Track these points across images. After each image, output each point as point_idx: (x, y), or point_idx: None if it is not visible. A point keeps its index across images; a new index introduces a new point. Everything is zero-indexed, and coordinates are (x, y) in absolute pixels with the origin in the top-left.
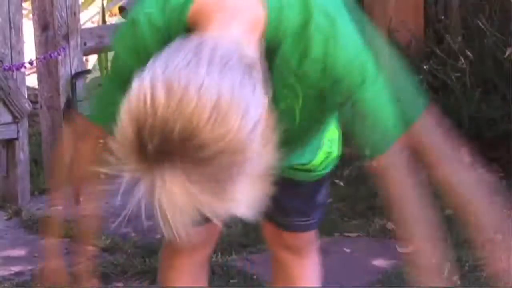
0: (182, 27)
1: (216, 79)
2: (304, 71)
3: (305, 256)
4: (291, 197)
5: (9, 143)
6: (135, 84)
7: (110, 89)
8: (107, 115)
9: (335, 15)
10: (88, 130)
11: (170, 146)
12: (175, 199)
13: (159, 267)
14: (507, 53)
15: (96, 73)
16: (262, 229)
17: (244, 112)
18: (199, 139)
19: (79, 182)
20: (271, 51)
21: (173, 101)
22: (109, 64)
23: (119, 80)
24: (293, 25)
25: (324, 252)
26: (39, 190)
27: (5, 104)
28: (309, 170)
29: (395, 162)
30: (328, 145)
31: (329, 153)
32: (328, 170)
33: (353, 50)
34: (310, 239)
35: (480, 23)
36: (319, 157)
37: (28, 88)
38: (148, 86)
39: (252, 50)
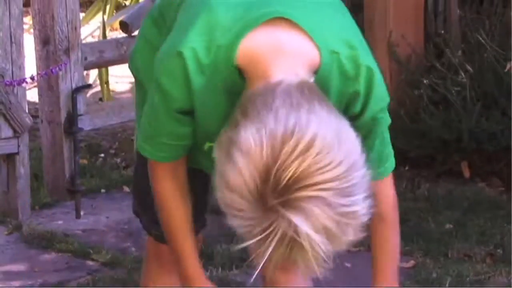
0: (230, 66)
1: (319, 121)
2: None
3: (295, 272)
4: None
5: (10, 158)
6: (245, 141)
7: (161, 122)
8: (164, 149)
9: (370, 56)
10: (158, 167)
11: (302, 190)
12: (315, 238)
13: (140, 284)
14: (507, 68)
15: (97, 88)
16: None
17: (350, 136)
18: (327, 175)
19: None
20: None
21: (298, 150)
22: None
23: (169, 111)
24: (342, 67)
25: None
26: (39, 205)
27: (5, 118)
28: None
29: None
30: None
31: None
32: None
33: (383, 91)
34: None
35: (480, 38)
36: None
37: (29, 102)
38: (262, 140)
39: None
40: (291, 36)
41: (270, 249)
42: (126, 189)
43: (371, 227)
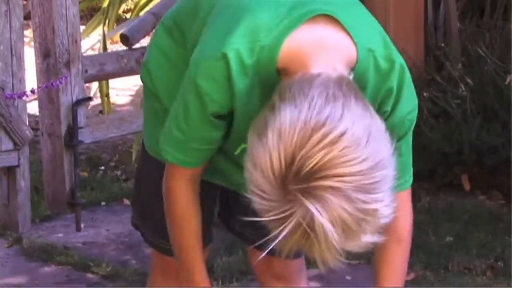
0: (273, 66)
1: (352, 116)
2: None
3: (295, 285)
4: None
5: (10, 171)
6: (281, 123)
7: (194, 127)
8: (193, 154)
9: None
10: (179, 174)
11: (323, 180)
12: (332, 226)
13: None
14: (507, 80)
15: (97, 101)
16: (250, 259)
17: (381, 135)
18: (350, 169)
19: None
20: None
21: (329, 139)
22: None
23: (205, 115)
24: (378, 64)
25: (325, 280)
26: (39, 217)
27: (6, 131)
28: None
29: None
30: None
31: None
32: None
33: (413, 99)
34: (300, 266)
35: (480, 51)
36: None
37: (29, 115)
38: (295, 124)
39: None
40: (332, 32)
41: (284, 234)
42: (127, 201)
43: (381, 244)
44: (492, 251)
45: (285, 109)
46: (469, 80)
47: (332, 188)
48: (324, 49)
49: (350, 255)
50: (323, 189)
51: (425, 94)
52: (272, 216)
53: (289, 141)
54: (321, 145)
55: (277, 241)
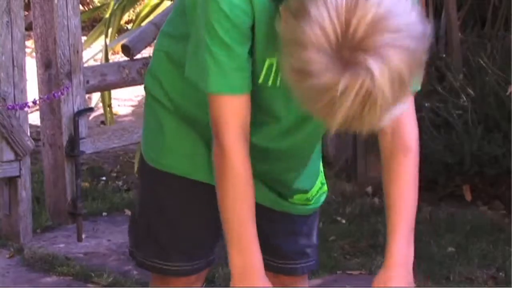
0: None
1: None
2: None
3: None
4: (290, 239)
5: (12, 181)
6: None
7: (231, 46)
8: (236, 75)
9: None
10: (229, 114)
11: (380, 37)
12: (385, 93)
13: None
14: (508, 91)
15: (98, 111)
16: None
17: None
18: (402, 21)
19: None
20: None
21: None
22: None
23: (237, 32)
24: None
25: None
26: (41, 228)
27: (7, 142)
28: (306, 202)
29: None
30: (321, 175)
31: (322, 184)
32: (319, 204)
33: None
34: (306, 278)
35: (481, 61)
36: (316, 185)
37: (31, 125)
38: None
39: None
40: None
41: (348, 104)
42: (128, 212)
43: (389, 158)
44: (493, 262)
45: None
46: (470, 91)
47: (390, 42)
48: None
49: (350, 266)
50: (381, 45)
51: (426, 105)
52: (330, 93)
53: (339, 8)
54: (368, 5)
55: (339, 115)
